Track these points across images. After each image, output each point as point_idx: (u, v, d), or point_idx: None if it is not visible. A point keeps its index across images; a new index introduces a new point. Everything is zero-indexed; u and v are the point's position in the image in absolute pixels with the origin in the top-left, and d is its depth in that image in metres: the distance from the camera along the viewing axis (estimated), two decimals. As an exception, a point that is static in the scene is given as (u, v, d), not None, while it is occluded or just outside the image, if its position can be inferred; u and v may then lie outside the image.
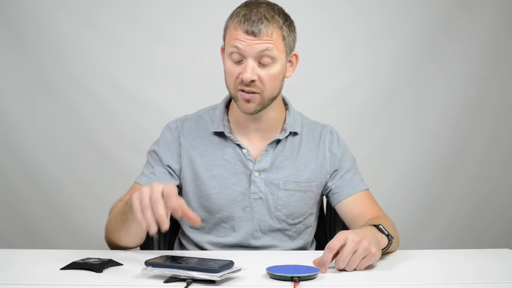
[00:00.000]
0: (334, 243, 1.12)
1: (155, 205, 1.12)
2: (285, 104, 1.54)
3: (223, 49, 1.46)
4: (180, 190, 1.50)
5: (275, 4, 1.41)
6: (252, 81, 1.35)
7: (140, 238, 1.33)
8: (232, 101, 1.50)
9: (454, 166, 2.52)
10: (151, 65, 2.33)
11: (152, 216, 1.12)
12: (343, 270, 1.12)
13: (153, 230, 1.12)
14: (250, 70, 1.34)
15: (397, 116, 2.48)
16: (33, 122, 2.31)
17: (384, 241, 1.22)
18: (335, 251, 1.12)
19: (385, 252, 1.23)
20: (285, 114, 1.52)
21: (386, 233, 1.24)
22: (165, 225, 1.12)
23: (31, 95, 2.30)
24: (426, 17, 2.46)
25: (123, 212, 1.27)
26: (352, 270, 1.13)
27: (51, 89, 2.30)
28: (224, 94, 1.61)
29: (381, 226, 1.25)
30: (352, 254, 1.11)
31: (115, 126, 2.33)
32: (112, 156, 2.33)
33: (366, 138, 2.43)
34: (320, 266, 1.12)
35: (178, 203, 1.14)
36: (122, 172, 2.31)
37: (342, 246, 1.12)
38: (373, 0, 2.44)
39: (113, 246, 1.37)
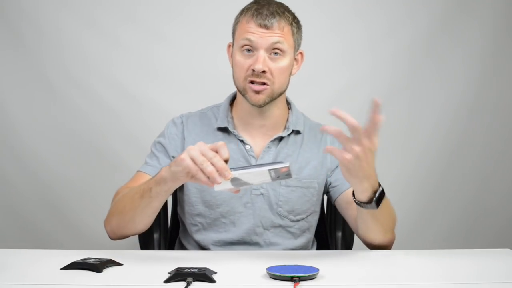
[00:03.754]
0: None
1: (214, 159, 1.13)
2: (288, 103, 1.56)
3: (230, 46, 1.49)
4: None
5: (283, 3, 1.46)
6: (263, 72, 1.38)
7: (152, 219, 1.33)
8: (237, 98, 1.52)
9: (453, 165, 2.52)
10: (152, 64, 2.34)
11: (214, 169, 1.13)
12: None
13: (220, 181, 1.13)
14: (262, 60, 1.38)
15: (396, 117, 2.47)
16: (33, 122, 2.30)
17: (376, 180, 1.22)
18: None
19: (380, 203, 1.23)
20: (288, 113, 1.54)
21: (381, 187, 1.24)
22: (230, 174, 1.13)
23: (32, 95, 2.30)
24: (425, 18, 2.46)
25: (144, 190, 1.26)
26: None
27: (52, 89, 2.30)
28: (224, 93, 1.61)
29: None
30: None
31: (115, 125, 2.33)
32: (113, 156, 2.33)
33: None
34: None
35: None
36: (123, 171, 2.29)
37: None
38: (372, 1, 2.44)
39: (118, 230, 1.36)
